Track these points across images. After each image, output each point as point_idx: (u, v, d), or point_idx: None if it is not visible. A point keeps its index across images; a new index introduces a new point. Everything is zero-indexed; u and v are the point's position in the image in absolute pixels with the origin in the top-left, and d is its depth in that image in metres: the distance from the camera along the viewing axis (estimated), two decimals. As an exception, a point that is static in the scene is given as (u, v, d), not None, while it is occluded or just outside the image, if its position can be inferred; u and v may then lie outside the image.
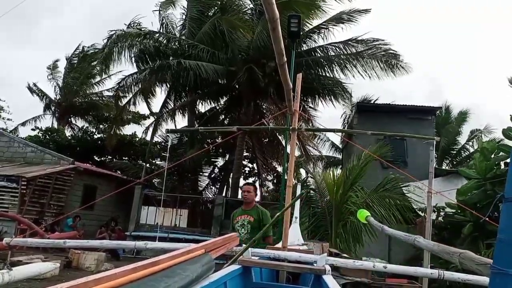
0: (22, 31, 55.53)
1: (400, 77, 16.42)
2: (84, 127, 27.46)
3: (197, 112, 21.71)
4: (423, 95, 54.73)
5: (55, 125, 26.61)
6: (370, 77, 16.37)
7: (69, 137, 25.02)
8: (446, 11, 65.83)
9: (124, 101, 20.02)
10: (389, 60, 16.00)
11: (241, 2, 18.46)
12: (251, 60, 16.32)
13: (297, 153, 19.56)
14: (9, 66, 52.02)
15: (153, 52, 18.31)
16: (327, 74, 17.49)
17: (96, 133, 26.67)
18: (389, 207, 9.11)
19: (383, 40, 16.00)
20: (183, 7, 20.10)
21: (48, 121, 27.20)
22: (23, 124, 26.43)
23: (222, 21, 16.33)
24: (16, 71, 54.23)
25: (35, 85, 26.56)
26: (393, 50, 15.97)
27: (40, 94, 26.68)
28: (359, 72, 16.48)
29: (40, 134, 23.98)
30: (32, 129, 25.24)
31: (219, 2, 18.86)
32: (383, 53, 16.00)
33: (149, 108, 21.59)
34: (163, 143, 23.28)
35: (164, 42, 18.71)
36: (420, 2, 63.57)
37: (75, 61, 26.65)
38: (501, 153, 8.71)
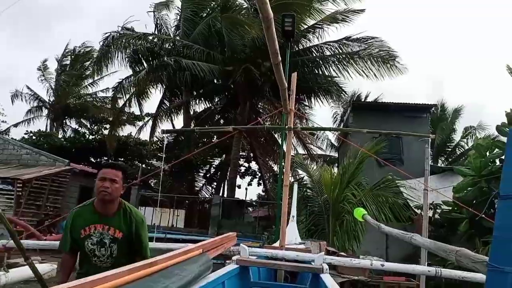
0: (22, 32, 55.20)
1: (399, 76, 16.28)
2: (79, 129, 27.25)
3: (192, 112, 21.66)
4: (424, 94, 54.75)
5: (49, 127, 26.35)
6: (367, 76, 16.34)
7: (63, 139, 24.76)
8: (449, 9, 66.06)
9: (121, 103, 20.01)
10: (385, 59, 15.93)
11: (241, 1, 18.41)
12: (247, 59, 16.26)
13: (293, 152, 19.56)
14: (7, 66, 51.77)
15: (147, 53, 18.25)
16: (324, 73, 17.47)
17: (90, 135, 26.46)
18: (385, 205, 9.15)
19: (377, 37, 15.99)
20: (178, 7, 20.08)
21: (42, 123, 26.93)
22: (16, 125, 26.11)
23: (222, 19, 16.16)
24: (17, 71, 53.97)
25: (28, 87, 26.21)
26: (389, 48, 15.92)
27: (32, 96, 26.24)
28: (356, 70, 16.43)
29: (34, 137, 23.73)
30: (25, 133, 24.98)
31: (214, 3, 18.82)
32: (377, 50, 15.95)
33: (141, 110, 21.48)
34: (159, 143, 23.23)
35: (159, 43, 18.65)
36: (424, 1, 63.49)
37: (67, 61, 26.35)
38: (496, 150, 8.72)
